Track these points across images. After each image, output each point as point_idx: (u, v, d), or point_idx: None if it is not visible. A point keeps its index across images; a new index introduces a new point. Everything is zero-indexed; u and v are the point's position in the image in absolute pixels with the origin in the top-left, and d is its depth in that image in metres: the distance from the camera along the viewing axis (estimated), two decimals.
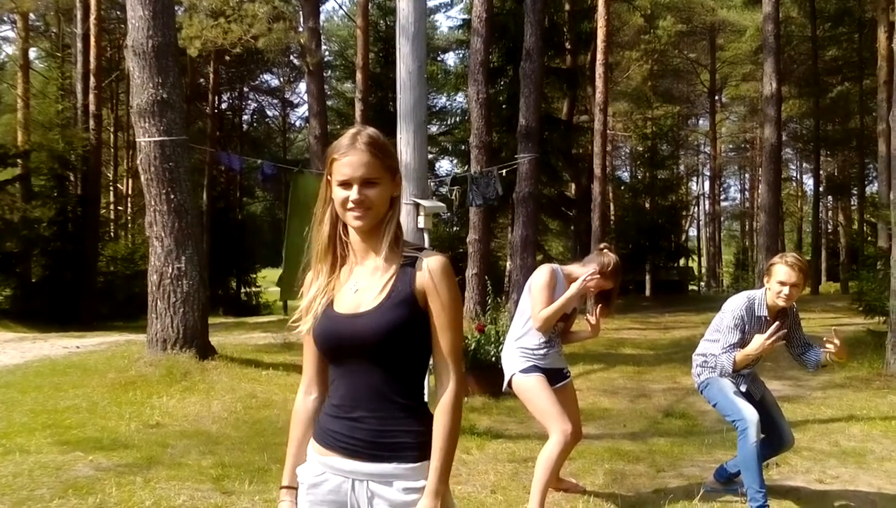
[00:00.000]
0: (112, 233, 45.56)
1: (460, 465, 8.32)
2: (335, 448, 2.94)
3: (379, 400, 2.90)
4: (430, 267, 2.95)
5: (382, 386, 2.90)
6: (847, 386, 13.36)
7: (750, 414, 6.55)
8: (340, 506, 2.95)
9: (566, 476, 7.62)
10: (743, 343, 6.63)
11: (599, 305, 6.90)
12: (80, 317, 28.29)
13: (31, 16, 38.56)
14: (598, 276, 6.69)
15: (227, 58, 42.89)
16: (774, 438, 7.00)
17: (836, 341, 6.40)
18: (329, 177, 2.97)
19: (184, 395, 11.80)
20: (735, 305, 6.77)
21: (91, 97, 31.72)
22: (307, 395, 3.15)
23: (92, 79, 31.63)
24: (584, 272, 6.73)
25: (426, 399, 3.11)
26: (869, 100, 44.68)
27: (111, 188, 50.49)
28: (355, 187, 2.88)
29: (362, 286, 2.95)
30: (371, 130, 2.98)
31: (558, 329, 6.94)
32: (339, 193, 2.92)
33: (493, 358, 11.66)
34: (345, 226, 3.02)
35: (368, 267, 2.98)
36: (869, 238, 40.49)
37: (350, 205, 2.88)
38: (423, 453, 2.92)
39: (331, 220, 3.00)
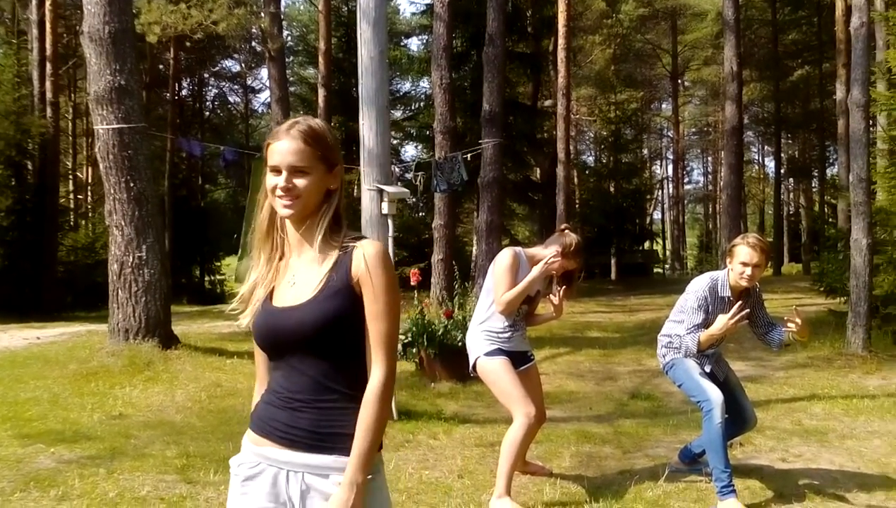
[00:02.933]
0: (72, 222, 45.06)
1: (428, 451, 8.37)
2: (272, 436, 2.87)
3: (318, 392, 2.85)
4: (366, 254, 2.87)
5: (321, 377, 2.86)
6: (809, 365, 13.62)
7: (715, 395, 6.60)
8: (275, 498, 2.86)
9: (532, 459, 7.67)
10: (707, 323, 6.67)
11: (563, 286, 6.90)
12: (41, 308, 27.96)
13: None
14: (561, 257, 6.70)
15: (188, 44, 42.66)
16: (738, 418, 7.05)
17: (798, 320, 6.45)
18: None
19: (147, 385, 11.71)
20: (698, 286, 6.81)
21: (48, 84, 31.30)
22: (261, 390, 3.09)
23: (48, 66, 31.20)
24: (546, 253, 6.74)
25: None
26: (828, 83, 45.00)
27: (70, 176, 50.15)
28: (284, 174, 2.84)
29: (299, 279, 2.91)
30: (313, 121, 2.95)
31: (522, 311, 6.93)
32: (269, 179, 2.89)
33: (461, 344, 11.65)
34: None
35: (305, 259, 2.94)
36: (830, 219, 40.85)
37: (278, 192, 2.85)
38: None
39: (269, 208, 2.97)
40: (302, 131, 2.87)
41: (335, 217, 2.94)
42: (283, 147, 2.84)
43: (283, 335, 2.84)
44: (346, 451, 2.79)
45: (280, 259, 2.99)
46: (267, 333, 2.89)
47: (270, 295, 2.93)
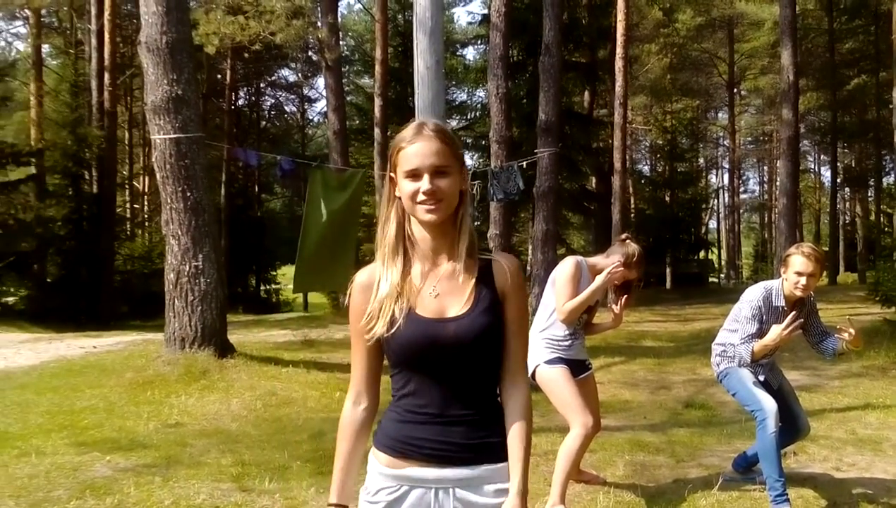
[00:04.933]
0: (129, 232, 45.50)
1: None
2: (417, 456, 2.80)
3: (468, 404, 2.81)
4: (510, 269, 2.87)
5: (472, 389, 2.83)
6: (864, 375, 13.53)
7: (769, 404, 6.63)
8: None
9: (587, 467, 7.64)
10: (761, 333, 6.67)
11: (624, 296, 6.89)
12: (97, 317, 28.19)
13: (44, 12, 38.51)
14: (623, 267, 6.68)
15: (246, 55, 42.90)
16: (791, 426, 7.04)
17: (852, 329, 6.45)
18: (393, 174, 2.83)
19: (203, 394, 11.77)
20: (753, 296, 6.82)
21: (105, 94, 31.60)
22: (357, 405, 2.96)
23: (106, 76, 31.49)
24: (608, 263, 6.74)
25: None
26: (885, 92, 44.64)
27: (127, 186, 50.54)
28: (426, 177, 2.72)
29: (443, 290, 2.82)
30: (436, 120, 2.86)
31: (582, 320, 6.92)
32: (407, 186, 2.75)
33: None
34: (411, 224, 2.86)
35: (445, 269, 2.85)
36: (886, 229, 40.75)
37: (421, 197, 2.73)
38: (506, 453, 2.84)
39: (397, 219, 2.84)
40: (435, 130, 2.78)
41: (465, 221, 2.86)
42: (423, 148, 2.74)
43: (439, 346, 2.75)
44: (495, 459, 2.81)
45: (411, 267, 2.87)
46: (421, 343, 2.76)
47: (415, 305, 2.81)
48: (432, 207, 2.73)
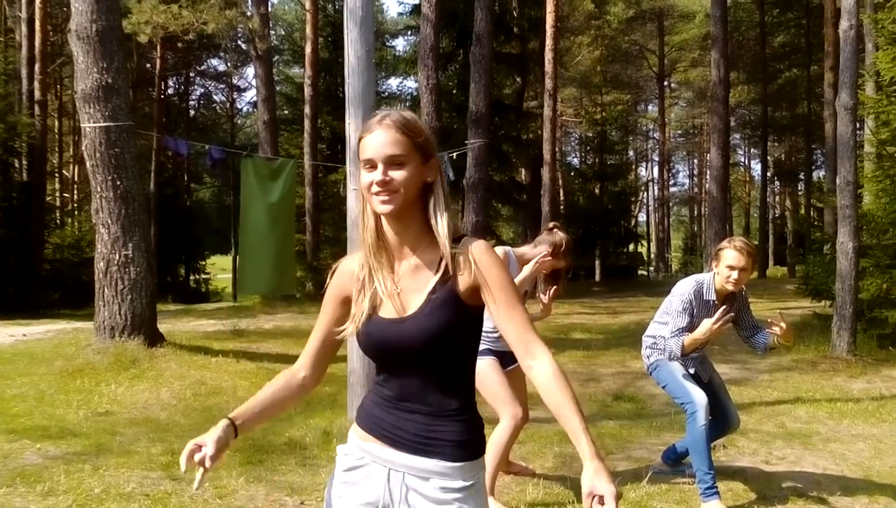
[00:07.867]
0: (58, 220, 44.76)
1: None
2: (377, 435, 2.86)
3: (425, 399, 2.81)
4: (475, 256, 2.78)
5: (432, 386, 2.81)
6: (794, 368, 13.60)
7: (699, 397, 6.59)
8: (375, 494, 2.84)
9: (516, 459, 7.65)
10: (691, 327, 6.61)
11: (552, 286, 6.88)
12: (27, 305, 27.85)
13: None
14: (551, 257, 6.67)
15: (180, 44, 42.59)
16: (720, 420, 7.01)
17: (783, 324, 6.39)
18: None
19: (132, 383, 11.69)
20: (684, 289, 6.75)
21: (36, 83, 31.16)
22: (296, 373, 3.01)
23: (37, 64, 31.06)
24: (536, 253, 6.69)
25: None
26: (816, 85, 45.27)
27: (57, 175, 49.93)
28: (380, 167, 2.70)
29: (405, 287, 2.82)
30: (406, 111, 2.81)
31: None
32: (364, 176, 2.74)
33: None
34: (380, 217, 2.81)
35: (408, 265, 2.84)
36: (815, 223, 40.97)
37: (374, 188, 2.71)
38: (464, 453, 2.82)
39: (374, 212, 2.80)
40: (395, 120, 2.74)
41: (436, 214, 2.80)
42: (377, 138, 2.72)
43: (390, 347, 2.79)
44: (447, 457, 2.78)
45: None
46: (375, 345, 2.83)
47: (376, 306, 2.83)
48: (386, 198, 2.70)
